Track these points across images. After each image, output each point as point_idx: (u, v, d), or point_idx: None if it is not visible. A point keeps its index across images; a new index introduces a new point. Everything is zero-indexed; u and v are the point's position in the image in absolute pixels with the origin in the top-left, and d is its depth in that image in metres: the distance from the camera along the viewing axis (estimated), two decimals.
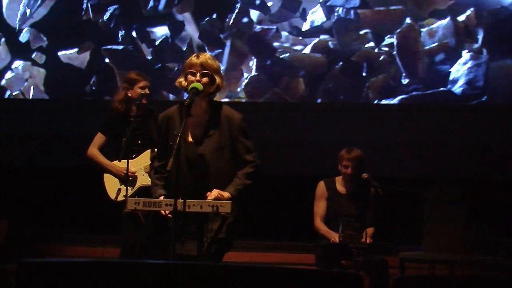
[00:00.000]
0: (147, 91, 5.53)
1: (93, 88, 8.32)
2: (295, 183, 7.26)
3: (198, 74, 4.18)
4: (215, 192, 4.07)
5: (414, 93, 7.59)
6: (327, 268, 5.40)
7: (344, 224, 5.46)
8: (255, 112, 7.62)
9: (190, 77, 4.19)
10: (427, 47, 7.58)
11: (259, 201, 6.65)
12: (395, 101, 7.60)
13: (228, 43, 7.93)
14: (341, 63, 7.73)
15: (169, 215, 4.11)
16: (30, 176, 8.14)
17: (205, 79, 4.18)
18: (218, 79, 4.24)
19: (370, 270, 5.39)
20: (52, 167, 8.11)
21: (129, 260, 5.08)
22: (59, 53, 8.32)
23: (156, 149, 5.32)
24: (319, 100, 7.83)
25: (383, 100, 7.64)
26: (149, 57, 8.14)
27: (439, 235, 5.25)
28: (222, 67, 7.74)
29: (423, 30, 7.59)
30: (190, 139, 4.23)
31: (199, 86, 4.13)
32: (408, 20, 7.62)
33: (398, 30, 7.64)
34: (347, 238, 5.47)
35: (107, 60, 8.24)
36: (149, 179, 5.35)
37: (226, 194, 4.08)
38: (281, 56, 7.88)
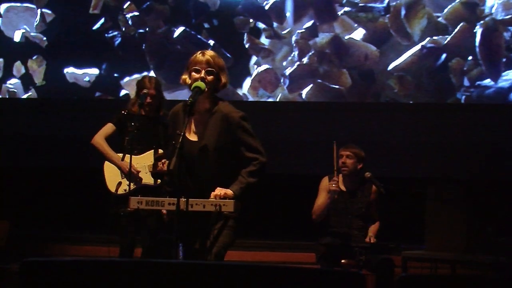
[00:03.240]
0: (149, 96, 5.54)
1: (96, 90, 8.34)
2: (298, 182, 7.25)
3: (203, 72, 4.13)
4: (217, 191, 4.04)
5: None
6: (328, 267, 5.41)
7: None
8: (268, 112, 7.63)
9: (194, 75, 4.14)
10: (499, 18, 7.22)
11: (262, 200, 6.65)
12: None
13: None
14: (414, 50, 7.43)
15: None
16: (33, 176, 8.14)
17: (210, 77, 4.14)
18: (223, 78, 4.21)
19: (374, 269, 5.39)
20: (54, 167, 8.11)
21: (135, 259, 5.08)
22: (65, 70, 8.32)
23: (160, 150, 5.37)
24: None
25: (472, 92, 7.40)
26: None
27: (441, 234, 5.25)
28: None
29: (499, 2, 7.21)
30: (192, 137, 4.20)
31: (202, 85, 4.09)
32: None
33: (481, 22, 7.30)
34: (350, 237, 5.50)
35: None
36: (152, 178, 5.41)
37: (229, 192, 4.04)
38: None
